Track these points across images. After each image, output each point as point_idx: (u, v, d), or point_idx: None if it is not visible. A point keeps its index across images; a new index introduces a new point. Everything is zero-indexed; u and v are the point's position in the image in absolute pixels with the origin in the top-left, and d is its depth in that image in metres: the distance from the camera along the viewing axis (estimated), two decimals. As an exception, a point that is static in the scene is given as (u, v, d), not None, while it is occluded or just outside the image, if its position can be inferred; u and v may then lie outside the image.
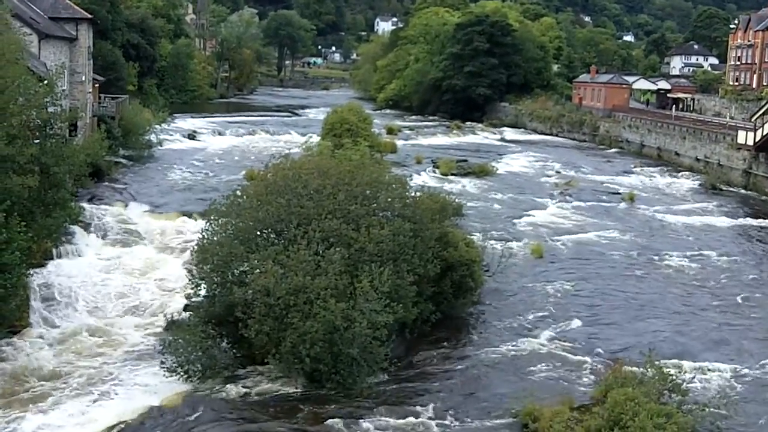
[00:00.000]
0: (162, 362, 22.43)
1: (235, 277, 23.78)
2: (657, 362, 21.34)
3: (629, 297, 30.70)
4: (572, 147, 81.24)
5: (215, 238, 24.81)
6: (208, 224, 25.68)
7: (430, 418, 20.38)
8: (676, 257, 36.47)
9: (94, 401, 21.34)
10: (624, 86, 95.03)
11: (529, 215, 44.05)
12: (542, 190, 52.46)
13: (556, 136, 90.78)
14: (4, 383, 22.23)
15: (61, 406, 21.10)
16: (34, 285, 26.74)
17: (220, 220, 25.43)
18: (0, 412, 20.70)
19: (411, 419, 20.31)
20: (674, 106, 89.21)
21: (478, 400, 21.80)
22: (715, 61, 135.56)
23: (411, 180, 30.42)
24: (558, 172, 60.82)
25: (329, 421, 19.87)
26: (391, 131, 78.42)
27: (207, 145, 64.82)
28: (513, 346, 25.32)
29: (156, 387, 21.97)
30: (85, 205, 34.70)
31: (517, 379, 23.01)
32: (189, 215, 35.88)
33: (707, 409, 20.30)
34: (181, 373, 22.15)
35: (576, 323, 27.47)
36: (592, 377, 22.83)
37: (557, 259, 35.55)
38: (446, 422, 20.33)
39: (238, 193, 26.59)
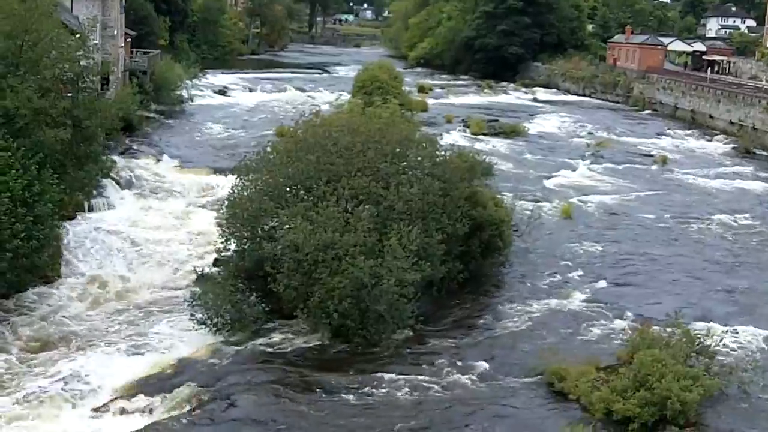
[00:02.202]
0: (191, 314, 22.72)
1: (264, 232, 23.99)
2: (685, 324, 21.31)
3: (659, 259, 30.53)
4: (605, 108, 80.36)
5: (245, 194, 24.97)
6: (238, 180, 25.81)
7: (455, 376, 20.51)
8: (707, 220, 36.15)
9: (124, 351, 21.71)
10: (659, 47, 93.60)
11: (559, 176, 43.79)
12: (573, 151, 52.04)
13: (589, 97, 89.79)
14: (36, 333, 22.65)
15: (91, 355, 21.47)
16: (66, 236, 27.09)
17: (250, 176, 25.56)
18: (32, 361, 21.13)
19: (436, 376, 20.45)
20: (709, 68, 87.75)
21: (503, 359, 21.89)
22: (752, 23, 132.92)
23: (441, 139, 30.25)
24: (590, 133, 60.24)
25: (355, 376, 20.08)
26: (422, 90, 77.97)
27: (237, 101, 64.89)
28: (540, 306, 25.33)
29: (185, 338, 22.31)
30: (116, 158, 34.96)
31: (544, 339, 23.05)
32: (219, 170, 36.06)
33: (735, 373, 20.26)
34: (211, 326, 22.44)
35: (604, 284, 27.41)
36: (619, 338, 22.79)
37: (587, 220, 35.38)
38: (471, 380, 20.45)
39: (268, 149, 26.67)
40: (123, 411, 18.73)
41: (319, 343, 22.07)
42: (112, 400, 19.23)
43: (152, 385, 19.72)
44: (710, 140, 60.74)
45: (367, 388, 19.69)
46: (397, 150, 26.10)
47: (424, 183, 24.95)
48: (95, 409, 18.95)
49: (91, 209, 30.01)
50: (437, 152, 27.31)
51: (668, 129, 65.27)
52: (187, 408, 18.54)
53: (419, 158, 26.60)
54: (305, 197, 24.00)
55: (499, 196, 30.12)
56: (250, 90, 71.50)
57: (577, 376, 19.94)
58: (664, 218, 36.36)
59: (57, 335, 22.64)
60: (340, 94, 65.28)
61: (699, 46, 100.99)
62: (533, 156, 49.30)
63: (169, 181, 34.61)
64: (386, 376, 20.23)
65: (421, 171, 26.07)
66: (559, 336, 23.29)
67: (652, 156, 51.72)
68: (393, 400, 19.30)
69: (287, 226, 22.94)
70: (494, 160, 34.48)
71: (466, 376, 20.52)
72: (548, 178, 42.95)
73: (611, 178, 44.33)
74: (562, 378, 20.09)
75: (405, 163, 26.14)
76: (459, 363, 21.16)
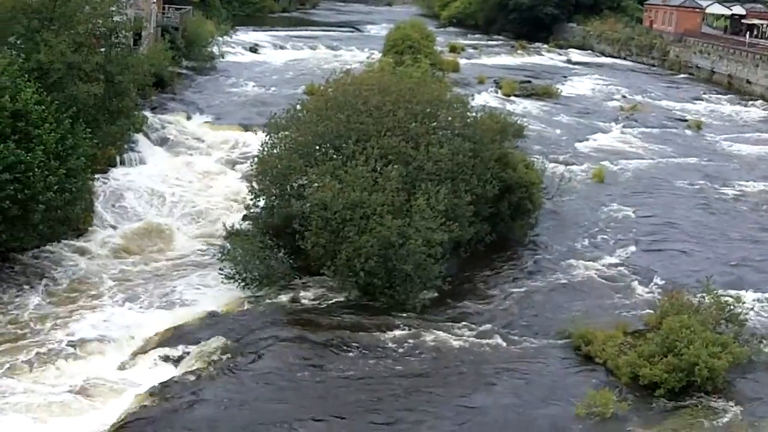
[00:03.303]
0: (221, 269, 22.96)
1: (293, 190, 24.07)
2: (715, 291, 21.13)
3: (691, 225, 30.23)
4: (640, 71, 79.18)
5: (275, 151, 25.04)
6: (268, 137, 25.88)
7: (480, 336, 20.57)
8: (741, 187, 35.69)
9: (153, 303, 22.01)
10: (696, 10, 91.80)
11: (591, 139, 43.34)
12: (606, 114, 51.42)
13: (624, 59, 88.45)
14: (68, 283, 23.00)
15: (121, 307, 21.83)
16: (98, 190, 27.34)
17: (279, 134, 25.62)
18: (63, 311, 21.46)
19: (462, 336, 20.51)
20: (748, 32, 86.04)
21: (530, 321, 21.89)
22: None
23: (472, 100, 30.00)
24: (624, 96, 59.43)
25: (380, 333, 20.19)
26: (453, 49, 77.18)
27: (268, 59, 64.68)
28: (568, 269, 25.23)
29: (214, 292, 22.58)
30: (148, 114, 35.08)
31: (571, 302, 23.00)
32: (249, 127, 36.09)
33: (765, 341, 20.10)
34: (239, 281, 22.65)
35: (634, 249, 27.20)
36: (648, 303, 22.67)
37: (618, 184, 35.06)
38: (497, 341, 20.49)
39: (298, 107, 26.66)
40: (152, 361, 19.04)
41: (346, 300, 22.19)
42: (141, 351, 19.55)
43: (180, 337, 20.01)
44: (747, 106, 59.68)
45: (392, 346, 19.80)
46: (428, 110, 25.98)
47: (454, 144, 24.84)
48: (124, 359, 19.27)
49: (122, 164, 30.25)
50: (468, 113, 27.16)
51: (704, 93, 64.22)
52: (215, 360, 18.76)
53: (450, 119, 26.47)
54: (334, 156, 24.01)
55: (529, 158, 29.91)
56: (281, 48, 71.18)
57: (604, 340, 19.90)
58: (697, 184, 35.93)
59: (88, 286, 22.99)
60: (371, 53, 64.82)
61: (738, 10, 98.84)
62: (565, 118, 48.78)
63: (199, 138, 34.72)
64: (412, 334, 20.31)
65: (451, 131, 25.98)
66: (587, 300, 23.21)
67: (686, 121, 50.97)
68: (418, 359, 19.38)
69: (316, 185, 22.98)
70: (526, 121, 34.25)
71: (492, 338, 20.55)
72: (580, 141, 42.52)
73: (644, 143, 43.81)
74: (589, 342, 20.06)
75: (435, 124, 26.03)
76: (485, 324, 21.20)
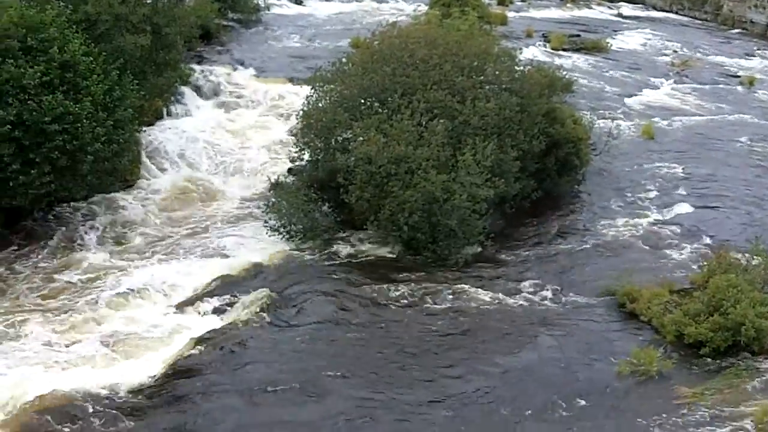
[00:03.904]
0: (265, 222, 23.15)
1: (338, 144, 24.04)
2: (764, 251, 20.77)
3: (741, 183, 29.62)
4: (692, 26, 77.26)
5: (320, 105, 24.99)
6: (313, 90, 25.78)
7: (524, 292, 20.52)
8: (794, 146, 34.86)
9: (199, 254, 22.29)
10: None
11: (641, 95, 42.49)
12: (657, 70, 50.34)
13: (676, 13, 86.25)
14: (115, 234, 23.35)
15: (168, 257, 22.16)
16: (145, 142, 27.58)
17: (324, 87, 25.51)
18: (111, 262, 21.83)
19: (504, 292, 20.48)
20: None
21: (574, 278, 21.75)
22: None
23: (520, 53, 29.50)
24: (675, 51, 58.13)
25: (423, 288, 20.22)
26: (502, 2, 75.76)
27: (314, 11, 64.14)
28: (615, 226, 24.96)
29: (258, 244, 22.76)
30: (194, 66, 35.13)
31: (617, 260, 22.80)
32: (295, 80, 35.98)
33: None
34: (283, 233, 22.81)
35: (683, 207, 26.74)
36: (695, 262, 22.39)
37: (668, 141, 34.39)
38: (540, 297, 20.42)
39: (344, 60, 26.48)
40: (198, 311, 19.34)
41: (389, 255, 22.25)
42: (186, 301, 19.84)
43: (225, 287, 20.27)
44: (803, 62, 58.06)
45: (434, 301, 19.85)
46: (475, 63, 25.65)
47: (501, 98, 24.56)
48: (170, 309, 19.59)
49: (169, 116, 30.37)
50: (516, 67, 26.77)
51: (758, 49, 62.42)
52: (259, 311, 18.99)
53: (497, 72, 26.12)
54: (379, 110, 23.90)
55: (577, 114, 29.46)
56: (327, 0, 70.66)
57: (649, 298, 19.73)
58: (748, 142, 35.11)
59: (135, 237, 23.33)
60: (418, 6, 64.13)
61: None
62: (615, 73, 47.87)
63: (245, 90, 34.67)
64: (454, 290, 20.34)
65: (498, 86, 25.67)
66: (633, 257, 22.98)
67: (738, 77, 49.74)
68: (459, 314, 19.42)
69: (361, 139, 22.92)
70: (574, 76, 33.75)
71: (535, 294, 20.50)
72: (630, 96, 41.73)
73: (695, 99, 42.88)
74: (634, 299, 19.91)
75: (482, 78, 25.71)
76: (528, 280, 21.12)
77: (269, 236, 22.87)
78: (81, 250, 22.41)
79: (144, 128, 27.54)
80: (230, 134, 30.50)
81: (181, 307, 19.61)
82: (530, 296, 20.38)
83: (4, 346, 17.68)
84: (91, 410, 15.10)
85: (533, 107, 25.39)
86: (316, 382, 16.47)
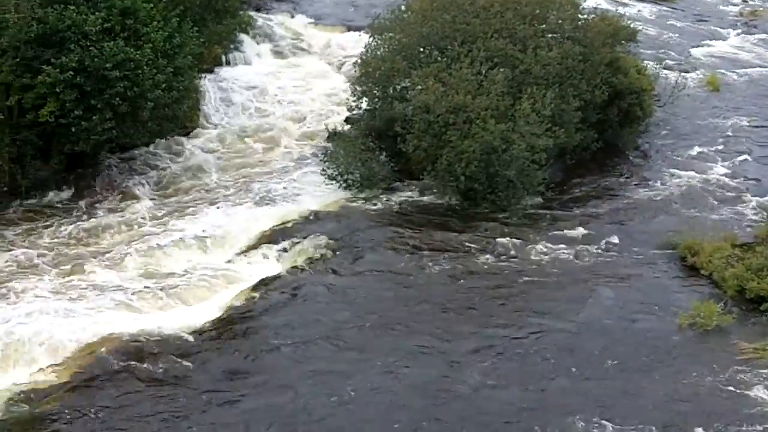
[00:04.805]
0: (323, 170, 23.22)
1: (396, 93, 23.89)
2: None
3: (809, 137, 28.79)
4: (763, -26, 74.74)
5: (378, 53, 24.84)
6: (371, 38, 25.64)
7: (582, 243, 20.27)
8: None
9: (258, 201, 22.44)
10: None
11: (707, 45, 41.23)
12: (724, 20, 48.77)
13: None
14: (175, 181, 23.66)
15: (226, 204, 22.36)
16: (204, 89, 27.72)
17: (383, 35, 25.32)
18: (169, 209, 22.16)
19: (563, 244, 20.27)
20: None
21: (634, 231, 21.42)
22: None
23: (583, 1, 28.85)
24: (744, 1, 56.26)
25: (480, 239, 20.13)
26: (565, -50, 74.39)
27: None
28: (677, 178, 24.42)
29: (316, 192, 22.84)
30: (252, 14, 35.06)
31: (678, 213, 22.38)
32: (353, 28, 35.73)
33: None
34: (341, 182, 22.87)
35: (748, 161, 26.00)
36: (759, 216, 21.87)
37: (734, 92, 33.42)
38: (600, 249, 20.17)
39: (403, 7, 26.19)
40: (255, 257, 19.54)
41: (446, 205, 22.16)
42: (245, 247, 20.07)
43: (283, 234, 20.43)
44: None
45: (491, 252, 19.75)
46: (537, 11, 25.17)
47: (563, 47, 24.11)
48: (229, 254, 19.84)
49: (228, 63, 30.42)
50: (579, 15, 26.17)
51: (832, -1, 60.30)
52: (316, 258, 19.13)
53: (559, 21, 25.59)
54: (438, 58, 23.63)
55: (641, 64, 28.77)
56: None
57: (711, 252, 19.36)
58: (818, 95, 34.07)
59: (194, 184, 23.60)
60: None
61: None
62: (680, 23, 46.52)
63: (303, 38, 34.56)
64: (512, 241, 20.19)
65: (560, 34, 25.16)
66: (695, 210, 22.52)
67: (811, 28, 48.12)
68: (517, 265, 19.32)
69: (419, 87, 22.73)
70: (639, 25, 32.88)
71: (595, 245, 20.23)
72: (695, 46, 40.55)
73: (763, 50, 41.55)
74: (696, 253, 19.57)
75: (544, 26, 25.25)
76: (588, 232, 20.84)
77: (326, 185, 22.95)
78: (141, 197, 22.75)
79: (203, 75, 27.66)
80: (288, 82, 30.45)
81: (239, 253, 19.85)
82: (590, 248, 20.12)
83: (67, 291, 18.08)
84: (152, 352, 15.43)
85: (596, 56, 24.85)
86: (369, 329, 16.58)
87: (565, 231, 20.89)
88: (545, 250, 19.94)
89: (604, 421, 14.31)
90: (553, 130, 22.15)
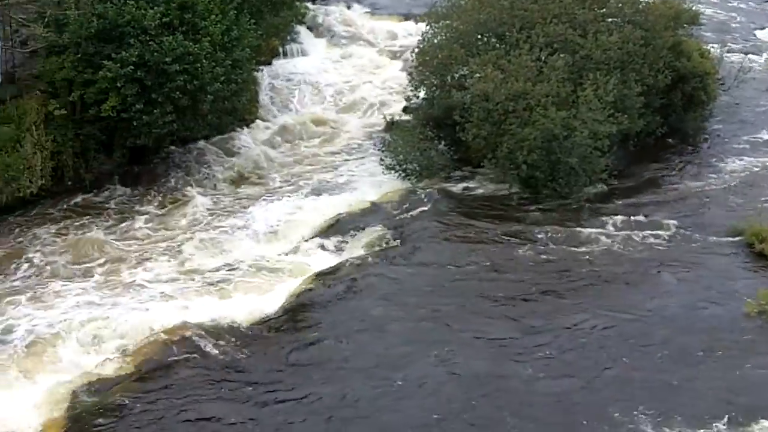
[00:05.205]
0: (381, 160, 23.14)
1: (454, 81, 23.71)
2: None
3: None
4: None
5: (435, 41, 24.69)
6: (428, 27, 25.48)
7: (648, 230, 19.84)
8: None
9: (316, 192, 22.55)
10: None
11: (773, 27, 40.29)
12: (791, 0, 47.57)
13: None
14: (235, 173, 23.87)
15: (286, 194, 22.51)
16: (262, 81, 27.86)
17: (440, 23, 25.17)
18: (230, 200, 22.43)
19: (627, 231, 19.87)
20: None
21: (700, 218, 20.98)
22: None
23: (644, -16, 28.32)
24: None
25: (542, 227, 19.86)
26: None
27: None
28: (743, 164, 23.89)
29: (374, 183, 22.85)
30: (309, 5, 35.14)
31: (745, 199, 21.87)
32: (410, 17, 35.58)
33: None
34: (399, 171, 22.79)
35: (817, 144, 25.38)
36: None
37: (801, 75, 32.54)
38: (665, 237, 19.73)
39: (459, -5, 25.99)
40: (315, 248, 19.57)
41: (507, 193, 21.93)
42: (305, 238, 20.11)
43: (342, 225, 20.44)
44: None
45: (553, 240, 19.45)
46: (596, -5, 24.76)
47: (624, 31, 23.68)
48: (289, 245, 19.89)
49: (285, 55, 30.55)
50: (639, -2, 25.69)
51: None
52: (375, 249, 19.09)
53: (620, 5, 25.17)
54: (497, 45, 23.43)
55: (705, 47, 28.13)
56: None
57: (780, 238, 18.86)
58: None
59: (254, 176, 23.80)
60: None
61: None
62: (745, 4, 45.30)
63: (360, 28, 34.54)
64: (574, 229, 19.89)
65: (621, 18, 24.74)
66: (762, 196, 21.95)
67: None
68: (579, 253, 19.00)
69: (477, 75, 22.52)
70: (701, 7, 32.15)
71: (660, 232, 19.80)
72: (760, 28, 39.57)
73: (834, 31, 40.32)
74: (763, 239, 19.09)
75: (604, 10, 24.85)
76: (652, 219, 20.43)
77: (385, 174, 22.88)
78: (201, 189, 22.96)
79: (261, 67, 27.79)
80: (345, 73, 30.47)
81: (298, 243, 19.88)
82: (653, 236, 19.70)
83: (131, 280, 18.34)
84: (215, 341, 15.53)
85: (658, 40, 24.36)
86: (426, 320, 16.45)
87: (629, 218, 20.48)
88: (608, 238, 19.57)
89: (657, 413, 13.88)
90: (616, 116, 21.77)
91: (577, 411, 13.97)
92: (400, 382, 14.36)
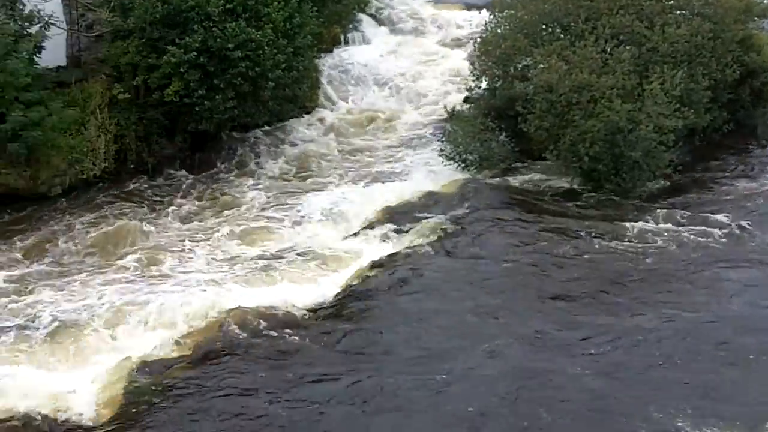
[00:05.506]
0: (441, 150, 22.99)
1: (517, 71, 23.41)
2: None
3: None
4: None
5: (499, 31, 24.39)
6: (491, 16, 25.21)
7: (712, 228, 19.32)
8: None
9: (375, 180, 22.52)
10: None
11: None
12: None
13: None
14: (294, 160, 23.97)
15: (341, 182, 22.60)
16: (324, 68, 27.88)
17: (504, 13, 24.85)
18: (290, 186, 22.52)
19: (691, 229, 19.38)
20: None
21: (764, 216, 20.29)
22: None
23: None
24: None
25: (603, 222, 19.51)
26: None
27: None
28: (815, 162, 23.23)
29: (433, 172, 22.70)
30: (371, -7, 35.10)
31: (816, 198, 21.20)
32: (473, 6, 35.32)
33: None
34: (459, 162, 22.61)
35: None
36: None
37: None
38: (728, 233, 19.12)
39: (525, -17, 25.62)
40: (373, 236, 19.46)
41: (568, 186, 21.63)
42: (362, 226, 20.05)
43: (400, 214, 20.30)
44: None
45: (614, 236, 19.04)
46: (664, -14, 24.23)
47: (692, 23, 23.11)
48: (347, 233, 19.89)
49: (347, 42, 30.55)
50: (709, -10, 25.06)
51: None
52: (429, 240, 18.91)
53: (688, -4, 24.59)
54: (561, 36, 23.09)
55: (776, 41, 27.35)
56: None
57: None
58: None
59: (314, 163, 23.83)
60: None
61: None
62: (819, -2, 44.14)
63: (422, 17, 34.43)
64: (635, 225, 19.45)
65: (689, 10, 24.14)
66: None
67: None
68: (640, 250, 18.54)
69: (541, 66, 22.20)
70: (773, 0, 31.27)
71: (724, 230, 19.21)
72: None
73: None
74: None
75: (672, 2, 24.28)
76: (717, 216, 19.84)
77: (444, 165, 22.72)
78: (261, 175, 23.10)
79: (323, 55, 27.81)
80: (407, 61, 30.36)
81: (355, 231, 19.85)
82: (718, 233, 19.16)
83: (191, 264, 18.50)
84: (270, 326, 15.57)
85: (727, 34, 23.73)
86: (479, 312, 16.20)
87: (693, 215, 19.98)
88: (670, 234, 19.12)
89: (700, 415, 13.33)
90: (682, 111, 21.29)
91: (616, 409, 13.61)
92: (444, 375, 14.21)
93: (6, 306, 16.68)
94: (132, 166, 22.90)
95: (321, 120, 25.96)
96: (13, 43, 20.23)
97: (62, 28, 21.99)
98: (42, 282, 17.71)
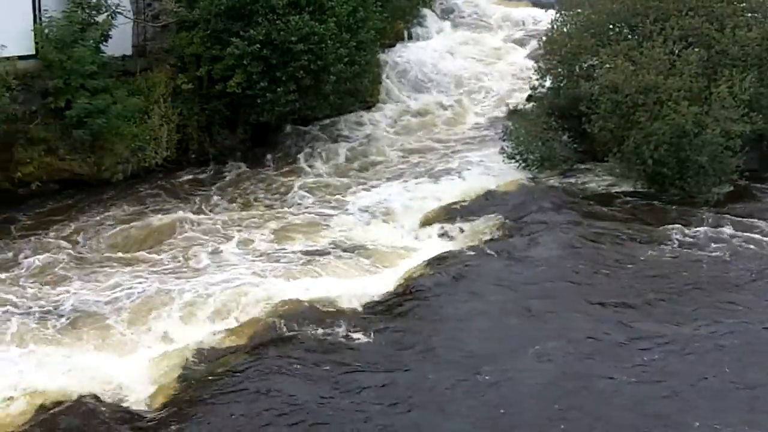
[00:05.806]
0: (502, 148, 22.76)
1: (582, 71, 23.10)
2: None
3: None
4: None
5: (565, 30, 24.10)
6: (558, 14, 24.90)
7: (775, 237, 18.84)
8: None
9: (433, 178, 22.34)
10: None
11: None
12: None
13: None
14: (354, 154, 23.98)
15: (398, 178, 22.48)
16: (386, 63, 27.82)
17: (571, 11, 24.52)
18: (347, 181, 22.54)
19: (756, 235, 18.85)
20: None
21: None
22: None
23: (790, -23, 26.83)
24: None
25: (666, 226, 19.07)
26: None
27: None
28: None
29: (493, 171, 22.48)
30: (436, -11, 34.96)
31: None
32: (539, 4, 35.01)
33: None
34: (520, 161, 22.37)
35: None
36: None
37: None
38: (798, 245, 18.64)
39: (594, -18, 25.24)
40: (429, 233, 19.38)
41: (631, 189, 21.22)
42: (420, 223, 19.96)
43: (458, 211, 20.14)
44: None
45: (678, 241, 18.59)
46: (737, -12, 23.64)
47: (764, 27, 22.53)
48: (403, 230, 19.82)
49: (410, 38, 30.47)
50: (784, -8, 24.37)
51: None
52: (486, 239, 18.73)
53: (761, -1, 23.97)
54: (629, 36, 22.73)
55: None
56: None
57: None
58: None
59: (374, 158, 23.81)
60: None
61: None
62: None
63: (487, 14, 34.23)
64: (699, 231, 18.97)
65: (762, 13, 23.51)
66: None
67: None
68: (703, 257, 18.07)
69: (607, 66, 21.84)
70: None
71: (792, 239, 18.73)
72: None
73: None
74: None
75: (744, 4, 23.67)
76: (785, 225, 19.36)
77: (505, 163, 22.50)
78: (320, 168, 23.14)
79: (385, 50, 27.75)
80: (470, 58, 30.20)
81: (413, 228, 19.75)
82: (782, 242, 18.65)
83: (246, 255, 18.58)
84: (322, 320, 15.54)
85: (801, 37, 23.04)
86: (533, 315, 15.92)
87: (758, 222, 19.45)
88: (733, 241, 18.61)
89: (743, 427, 12.82)
90: (750, 116, 20.76)
91: (655, 418, 13.21)
92: (487, 377, 14.01)
93: (54, 290, 16.80)
94: (193, 155, 23.14)
95: (381, 115, 25.94)
96: (80, 32, 20.56)
97: (129, 18, 22.26)
98: (90, 268, 17.80)
